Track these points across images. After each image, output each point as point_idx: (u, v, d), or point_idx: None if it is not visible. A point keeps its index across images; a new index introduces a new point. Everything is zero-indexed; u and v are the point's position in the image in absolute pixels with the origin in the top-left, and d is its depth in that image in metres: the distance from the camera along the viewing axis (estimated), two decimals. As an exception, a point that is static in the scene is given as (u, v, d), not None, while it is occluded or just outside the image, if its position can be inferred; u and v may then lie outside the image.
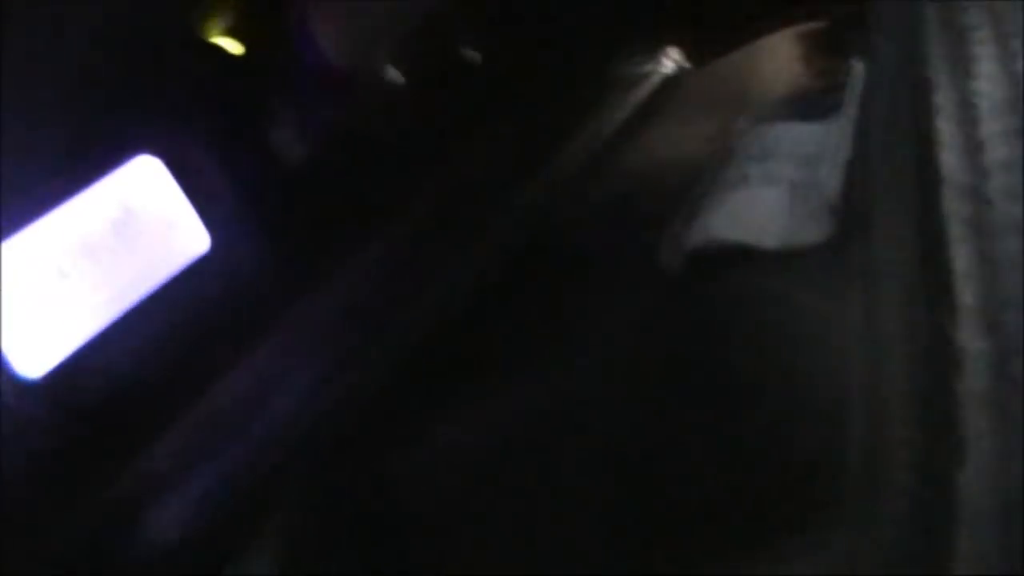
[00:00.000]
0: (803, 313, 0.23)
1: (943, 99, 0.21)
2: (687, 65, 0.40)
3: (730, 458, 0.22)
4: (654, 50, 0.39)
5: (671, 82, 0.39)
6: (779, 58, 0.35)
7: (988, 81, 0.21)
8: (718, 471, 0.22)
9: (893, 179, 0.20)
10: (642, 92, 0.39)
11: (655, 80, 0.39)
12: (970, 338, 0.17)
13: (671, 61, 0.40)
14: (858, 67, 0.24)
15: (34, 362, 0.28)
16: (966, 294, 0.18)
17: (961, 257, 0.18)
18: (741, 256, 0.24)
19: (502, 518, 0.27)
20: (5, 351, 0.28)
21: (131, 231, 0.30)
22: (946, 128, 0.20)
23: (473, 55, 0.37)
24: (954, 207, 0.19)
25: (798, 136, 0.26)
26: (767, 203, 0.24)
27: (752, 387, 0.22)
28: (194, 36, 0.32)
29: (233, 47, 0.33)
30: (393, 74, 0.33)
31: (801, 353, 0.22)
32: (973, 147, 0.20)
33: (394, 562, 0.29)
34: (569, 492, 0.26)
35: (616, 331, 0.28)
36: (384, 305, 0.33)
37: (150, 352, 0.30)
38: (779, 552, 0.22)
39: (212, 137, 0.31)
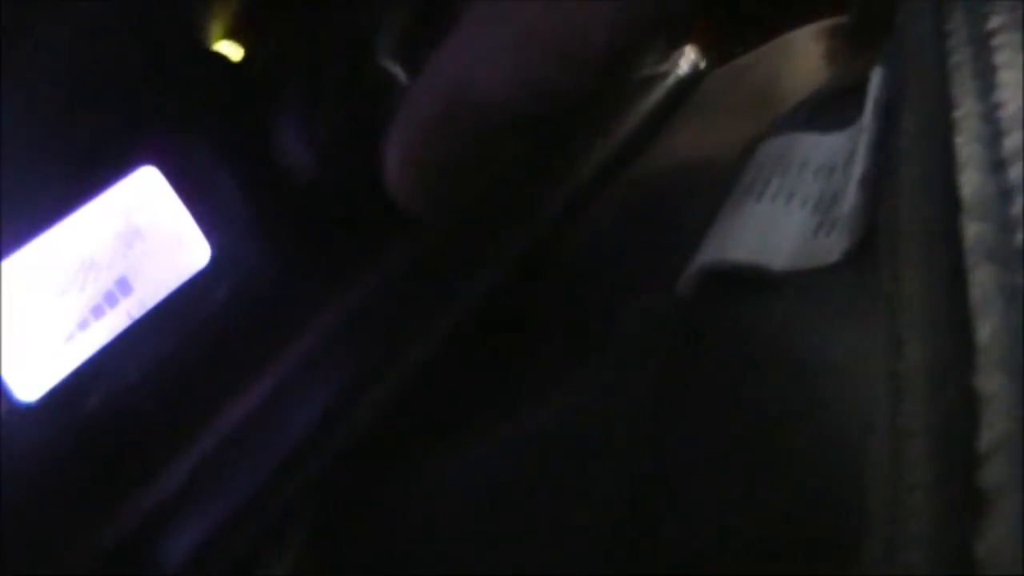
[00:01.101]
0: (824, 343, 0.22)
1: (964, 113, 0.20)
2: (703, 64, 0.38)
3: (740, 498, 0.21)
4: (668, 48, 0.38)
5: (686, 84, 0.37)
6: (801, 58, 0.33)
7: (1010, 91, 0.20)
8: (727, 513, 0.21)
9: (914, 199, 0.19)
10: (656, 96, 0.37)
11: (670, 82, 0.37)
12: (987, 379, 0.16)
13: (686, 61, 0.38)
14: (877, 75, 0.23)
15: (32, 384, 0.28)
16: (984, 329, 0.17)
17: (979, 287, 0.17)
18: (756, 277, 0.23)
19: (508, 550, 0.26)
20: (2, 373, 0.27)
21: (131, 245, 0.29)
22: (966, 145, 0.19)
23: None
24: (973, 231, 0.18)
25: (815, 148, 0.25)
26: (782, 220, 0.23)
27: (767, 424, 0.21)
28: (194, 42, 0.31)
29: (234, 52, 0.32)
30: (399, 75, 0.32)
31: (820, 387, 0.21)
32: (994, 165, 0.19)
33: None
34: (575, 527, 0.25)
35: (626, 359, 0.27)
36: (395, 318, 0.32)
37: (154, 370, 0.29)
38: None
39: (211, 146, 0.30)
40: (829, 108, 0.27)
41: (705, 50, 0.38)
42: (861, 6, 0.32)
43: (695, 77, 0.38)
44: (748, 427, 0.22)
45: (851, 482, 0.18)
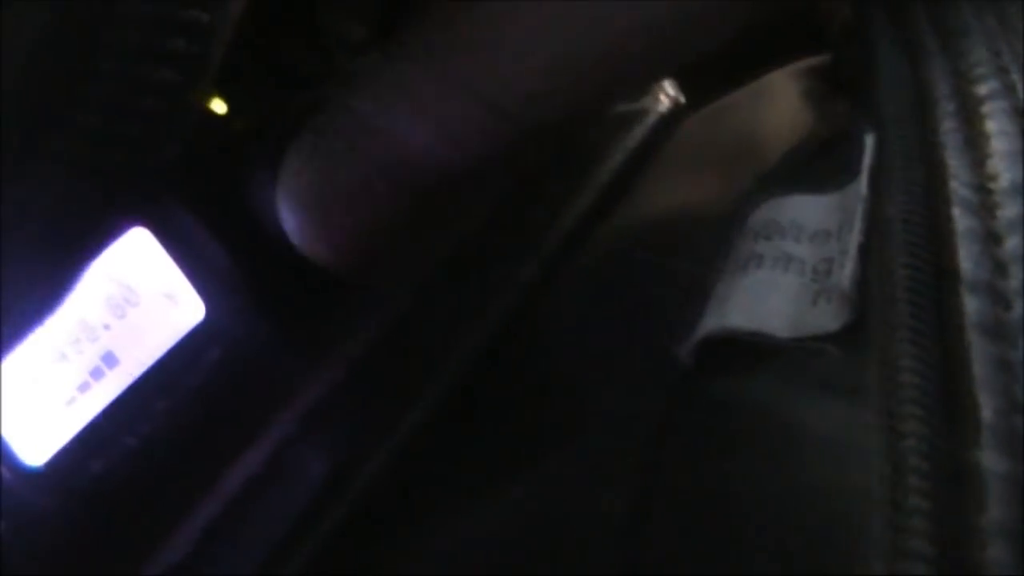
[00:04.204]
0: (815, 421, 0.22)
1: (958, 184, 0.20)
2: (682, 100, 0.38)
3: None
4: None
5: (666, 124, 0.37)
6: (781, 101, 0.34)
7: (1003, 161, 0.20)
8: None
9: (911, 272, 0.20)
10: (635, 137, 0.37)
11: (649, 121, 0.37)
12: (989, 458, 0.17)
13: (666, 97, 0.38)
14: (870, 140, 0.23)
15: (38, 448, 0.28)
16: (987, 406, 0.17)
17: (978, 364, 0.18)
18: (754, 347, 0.23)
19: None
20: (6, 438, 0.27)
21: (125, 306, 0.29)
22: (961, 217, 0.20)
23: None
24: (970, 307, 0.18)
25: (809, 211, 0.25)
26: (781, 287, 0.24)
27: (760, 504, 0.22)
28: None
29: (218, 106, 0.32)
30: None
31: (813, 467, 0.21)
32: (989, 238, 0.19)
33: None
34: None
35: (613, 436, 0.27)
36: (390, 378, 0.33)
37: (154, 434, 0.29)
38: None
39: (198, 203, 0.30)
40: (816, 164, 0.28)
41: (683, 86, 0.38)
42: (839, 47, 0.32)
43: (675, 115, 0.38)
44: (741, 507, 0.22)
45: (850, 561, 0.18)
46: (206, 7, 0.21)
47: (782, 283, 0.24)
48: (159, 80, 0.22)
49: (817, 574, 0.20)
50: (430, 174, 0.28)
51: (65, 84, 0.21)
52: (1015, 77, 0.21)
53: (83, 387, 0.29)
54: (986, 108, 0.21)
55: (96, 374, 0.29)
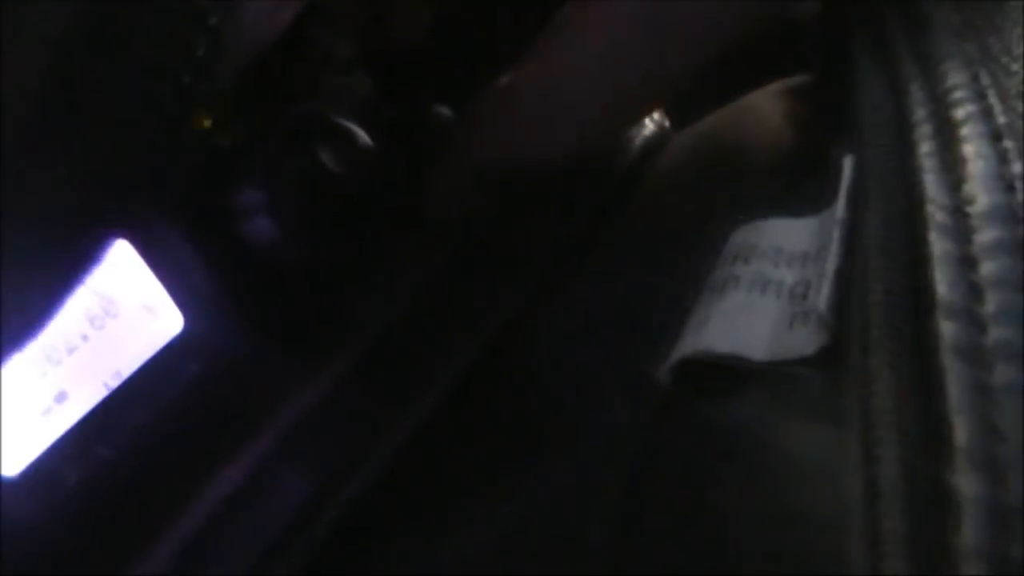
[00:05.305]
0: (794, 447, 0.22)
1: (935, 207, 0.20)
2: (667, 125, 0.39)
3: None
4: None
5: (654, 146, 0.37)
6: (764, 121, 0.34)
7: (980, 184, 0.20)
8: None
9: (887, 297, 0.20)
10: (621, 163, 0.37)
11: (635, 146, 0.37)
12: (966, 483, 0.17)
13: (651, 122, 0.38)
14: (848, 163, 0.24)
15: (12, 458, 0.27)
16: (961, 430, 0.17)
17: (954, 387, 0.18)
18: (732, 370, 0.23)
19: None
20: (-18, 450, 0.27)
21: (104, 316, 0.29)
22: (938, 240, 0.20)
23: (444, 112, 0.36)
24: (947, 330, 0.18)
25: (788, 234, 0.25)
26: (758, 310, 0.24)
27: (739, 530, 0.22)
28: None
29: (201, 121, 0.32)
30: (363, 140, 0.33)
31: (792, 492, 0.21)
32: (965, 262, 0.19)
33: None
34: None
35: (594, 460, 0.27)
36: (375, 393, 0.32)
37: (131, 446, 0.29)
38: None
39: (180, 215, 0.30)
40: (796, 186, 0.28)
41: (666, 108, 0.38)
42: (820, 69, 0.32)
43: (661, 139, 0.38)
44: (724, 529, 0.22)
45: None
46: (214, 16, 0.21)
47: (759, 306, 0.24)
48: (158, 96, 0.22)
49: None
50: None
51: (69, 90, 0.21)
52: (992, 101, 0.22)
53: (59, 397, 0.28)
54: (964, 131, 0.21)
55: (73, 384, 0.29)
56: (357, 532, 0.30)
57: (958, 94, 0.22)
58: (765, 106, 0.35)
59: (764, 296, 0.24)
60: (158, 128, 0.20)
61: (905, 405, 0.18)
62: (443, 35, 0.38)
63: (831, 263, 0.22)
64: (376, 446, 0.31)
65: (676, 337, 0.25)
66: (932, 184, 0.21)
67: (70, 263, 0.25)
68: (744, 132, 0.34)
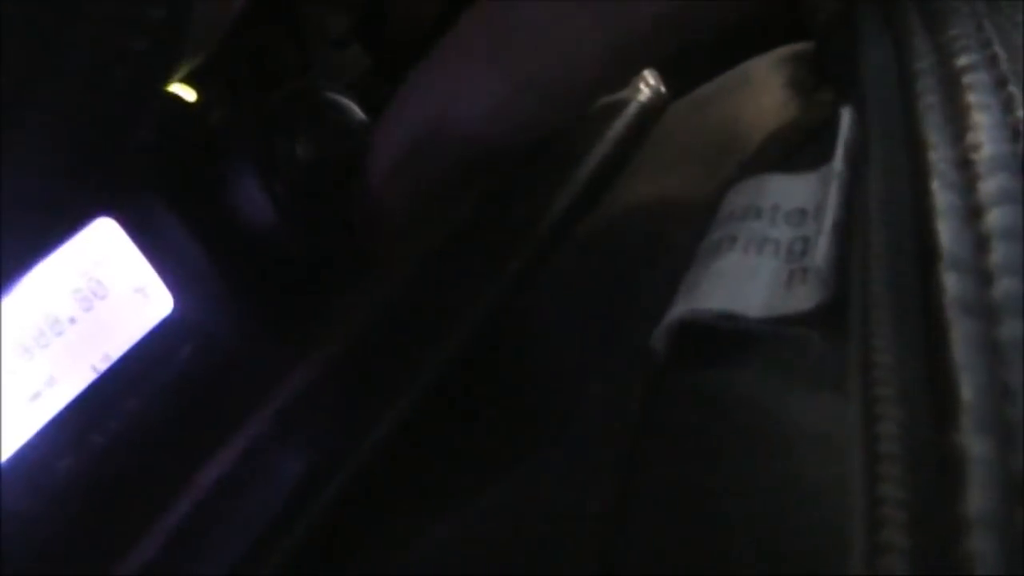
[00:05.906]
0: (795, 411, 0.21)
1: (937, 157, 0.19)
2: (663, 91, 0.38)
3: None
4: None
5: (648, 114, 0.37)
6: (763, 90, 0.33)
7: (985, 133, 0.19)
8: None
9: (888, 251, 0.19)
10: (617, 128, 0.36)
11: (631, 111, 0.36)
12: (971, 444, 0.16)
13: (647, 87, 0.37)
14: (846, 116, 0.23)
15: (1, 445, 0.27)
16: (965, 390, 0.16)
17: (958, 343, 0.17)
18: (736, 337, 0.22)
19: None
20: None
21: (92, 298, 0.29)
22: (941, 191, 0.19)
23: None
24: (951, 284, 0.18)
25: (785, 191, 0.24)
26: (755, 269, 0.23)
27: (742, 497, 0.21)
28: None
29: (187, 94, 0.32)
30: (358, 115, 0.32)
31: (794, 458, 0.20)
32: (970, 213, 0.18)
33: None
34: None
35: (597, 429, 0.26)
36: (368, 372, 0.32)
37: (123, 431, 0.28)
38: None
39: (168, 193, 0.30)
40: (797, 148, 0.27)
41: (664, 75, 0.38)
42: (822, 33, 0.31)
43: (658, 104, 0.37)
44: (725, 505, 0.21)
45: (830, 553, 0.17)
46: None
47: (756, 264, 0.23)
48: (132, 49, 0.22)
49: (801, 562, 0.19)
50: (478, 149, 0.31)
51: (37, 54, 0.21)
52: (997, 50, 0.21)
53: (48, 382, 0.28)
54: (967, 80, 0.20)
55: (62, 368, 0.28)
56: (350, 513, 0.29)
57: (961, 43, 0.21)
58: (766, 74, 0.34)
59: (761, 254, 0.23)
60: (118, 89, 0.20)
61: (907, 362, 0.17)
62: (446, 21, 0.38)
63: (829, 217, 0.21)
64: (370, 427, 0.30)
65: (671, 305, 0.24)
66: (935, 134, 0.20)
67: (43, 232, 0.24)
68: (744, 100, 0.34)
